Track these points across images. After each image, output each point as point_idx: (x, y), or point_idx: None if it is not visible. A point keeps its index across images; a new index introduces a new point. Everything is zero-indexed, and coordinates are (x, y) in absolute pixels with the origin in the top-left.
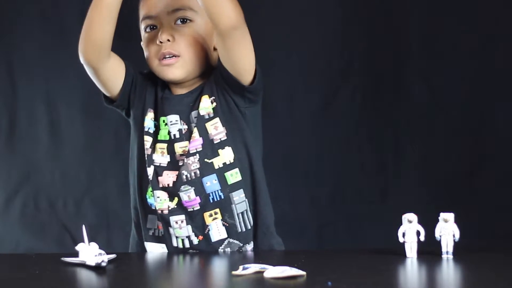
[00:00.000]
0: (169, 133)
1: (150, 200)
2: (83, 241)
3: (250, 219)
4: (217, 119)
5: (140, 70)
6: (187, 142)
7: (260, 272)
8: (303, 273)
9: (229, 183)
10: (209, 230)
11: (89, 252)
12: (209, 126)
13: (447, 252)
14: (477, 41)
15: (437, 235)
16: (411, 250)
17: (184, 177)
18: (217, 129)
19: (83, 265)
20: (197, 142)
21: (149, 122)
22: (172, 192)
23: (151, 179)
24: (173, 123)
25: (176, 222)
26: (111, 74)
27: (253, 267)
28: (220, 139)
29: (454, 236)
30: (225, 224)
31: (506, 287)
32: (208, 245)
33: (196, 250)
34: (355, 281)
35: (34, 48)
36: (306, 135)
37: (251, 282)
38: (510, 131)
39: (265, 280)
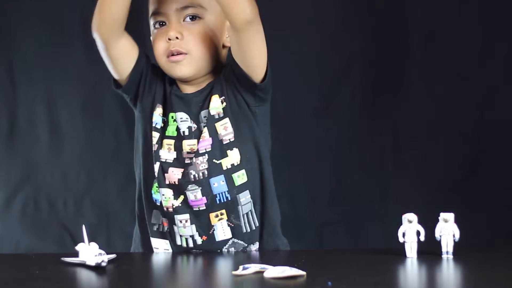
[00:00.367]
0: (178, 129)
1: (155, 196)
2: (83, 241)
3: (255, 219)
4: (226, 119)
5: (154, 62)
6: (195, 140)
7: (260, 272)
8: (303, 273)
9: (236, 184)
10: (214, 230)
11: (89, 252)
12: (219, 126)
13: (447, 252)
14: (477, 41)
15: (437, 235)
16: (411, 250)
17: (192, 176)
18: (226, 130)
19: (83, 265)
20: (206, 142)
21: (157, 117)
22: (178, 189)
23: (157, 175)
24: (183, 120)
25: (181, 221)
26: (121, 54)
27: (253, 267)
28: (229, 139)
29: (454, 236)
30: (231, 224)
31: (506, 287)
32: (212, 244)
33: (200, 250)
34: (355, 281)
35: (34, 48)
36: (306, 135)
37: (251, 282)
38: (510, 131)
39: (265, 280)
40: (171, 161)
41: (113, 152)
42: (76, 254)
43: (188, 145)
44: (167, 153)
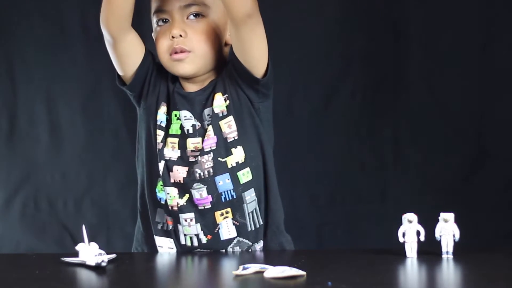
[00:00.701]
0: (181, 127)
1: (159, 195)
2: (83, 241)
3: (260, 217)
4: (230, 117)
5: (158, 60)
6: (200, 138)
7: (260, 272)
8: (303, 273)
9: (241, 182)
10: (219, 229)
11: (89, 252)
12: (223, 124)
13: (447, 252)
14: (477, 41)
15: (437, 235)
16: (411, 250)
17: (197, 175)
18: (230, 128)
19: (83, 265)
20: (211, 140)
21: (161, 116)
22: (183, 188)
23: (161, 174)
24: (187, 118)
25: (186, 220)
26: (128, 50)
27: (253, 267)
28: (233, 137)
29: (454, 236)
30: (236, 223)
31: (506, 287)
32: (217, 243)
33: (204, 249)
34: (355, 281)
35: (34, 48)
36: (306, 135)
37: (251, 282)
38: (510, 131)
39: (265, 280)
40: (175, 160)
41: (113, 152)
42: (76, 254)
43: (192, 143)
44: (171, 152)
